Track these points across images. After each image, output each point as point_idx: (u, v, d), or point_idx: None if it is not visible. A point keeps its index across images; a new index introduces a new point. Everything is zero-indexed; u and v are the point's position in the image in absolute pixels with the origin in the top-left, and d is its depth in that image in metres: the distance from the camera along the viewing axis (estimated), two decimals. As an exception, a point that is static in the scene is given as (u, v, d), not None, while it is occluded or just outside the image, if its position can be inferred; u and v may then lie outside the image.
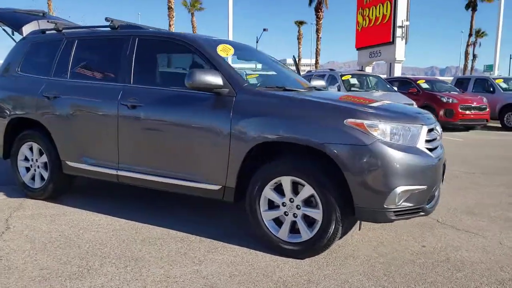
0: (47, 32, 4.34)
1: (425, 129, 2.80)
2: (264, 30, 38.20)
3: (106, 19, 3.82)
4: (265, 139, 2.82)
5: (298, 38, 50.26)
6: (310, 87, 3.82)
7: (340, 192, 2.68)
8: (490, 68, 37.13)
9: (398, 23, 19.30)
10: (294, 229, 2.89)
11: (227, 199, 3.10)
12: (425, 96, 12.69)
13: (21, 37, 4.64)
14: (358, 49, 22.29)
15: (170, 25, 27.15)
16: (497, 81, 14.45)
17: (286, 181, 2.83)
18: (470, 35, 38.06)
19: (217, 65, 3.16)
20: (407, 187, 2.61)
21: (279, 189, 2.91)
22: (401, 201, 2.62)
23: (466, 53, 38.63)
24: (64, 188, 4.14)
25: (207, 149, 3.08)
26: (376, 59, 21.05)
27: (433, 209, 2.92)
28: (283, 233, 2.89)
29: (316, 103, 2.89)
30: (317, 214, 2.76)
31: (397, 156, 2.58)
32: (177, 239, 3.17)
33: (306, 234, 2.81)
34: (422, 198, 2.73)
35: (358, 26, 22.31)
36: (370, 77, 12.40)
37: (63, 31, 4.16)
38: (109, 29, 3.88)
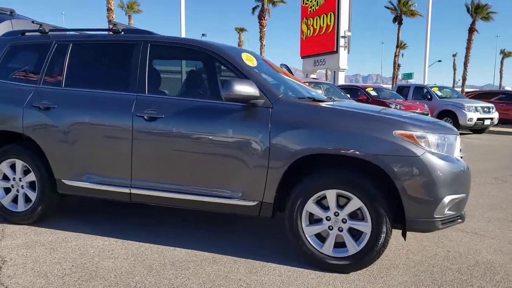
0: (27, 34, 3.85)
1: (458, 139, 2.89)
2: (203, 35, 37.97)
3: (110, 22, 3.48)
4: (313, 151, 2.72)
5: (239, 45, 50.48)
6: (330, 98, 3.79)
7: (389, 204, 2.67)
8: (407, 76, 40.64)
9: (341, 33, 20.20)
10: (336, 243, 2.82)
11: (264, 215, 2.95)
12: (374, 103, 13.34)
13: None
14: (302, 57, 22.91)
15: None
16: (433, 89, 15.68)
17: (331, 195, 2.76)
18: (397, 46, 41.07)
19: (248, 75, 3.01)
20: (453, 196, 2.66)
21: (320, 203, 2.83)
22: (446, 210, 2.67)
23: (395, 63, 41.56)
24: (53, 210, 3.68)
25: (242, 164, 2.90)
26: (320, 67, 21.82)
27: (465, 216, 3.02)
28: (327, 248, 2.80)
29: (364, 115, 2.86)
30: (365, 227, 2.71)
31: (444, 167, 2.63)
32: (209, 261, 2.94)
33: (353, 248, 2.75)
34: (462, 206, 2.81)
35: (303, 35, 22.96)
36: (324, 85, 12.77)
37: (50, 33, 3.72)
38: (109, 33, 3.54)
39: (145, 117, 3.12)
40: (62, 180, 3.42)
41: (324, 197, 2.79)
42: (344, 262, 2.77)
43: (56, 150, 3.39)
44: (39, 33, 3.76)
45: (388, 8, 38.91)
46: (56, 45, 3.61)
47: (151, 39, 3.36)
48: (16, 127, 3.48)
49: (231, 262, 2.92)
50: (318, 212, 2.81)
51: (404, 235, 2.86)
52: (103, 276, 2.67)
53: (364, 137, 2.66)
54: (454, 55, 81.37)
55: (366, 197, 2.67)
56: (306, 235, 2.84)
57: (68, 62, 3.52)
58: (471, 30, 44.22)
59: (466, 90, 36.42)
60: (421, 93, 15.84)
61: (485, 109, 14.28)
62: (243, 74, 3.02)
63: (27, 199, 3.60)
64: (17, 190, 3.61)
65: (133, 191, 3.22)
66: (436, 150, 2.67)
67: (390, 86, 36.06)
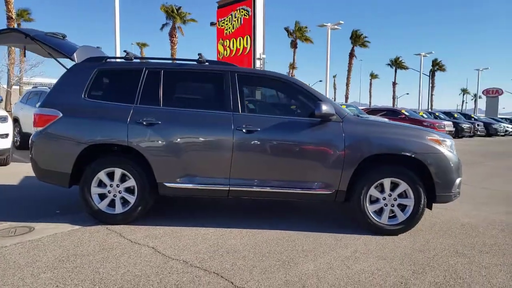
0: (108, 60, 4.42)
1: (454, 142, 4.45)
2: (98, 47, 36.74)
3: (200, 55, 4.30)
4: (377, 152, 3.98)
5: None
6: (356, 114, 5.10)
7: (425, 185, 4.06)
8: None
9: (257, 55, 22.11)
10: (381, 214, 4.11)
11: (338, 200, 4.11)
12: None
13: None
14: (221, 76, 24.13)
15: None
16: (342, 106, 18.34)
17: (387, 182, 4.05)
18: (292, 68, 45.37)
19: (322, 99, 4.17)
20: (459, 178, 4.18)
21: (376, 188, 4.10)
22: (457, 188, 4.17)
23: (291, 83, 45.76)
24: (147, 211, 4.28)
25: (323, 163, 4.02)
26: (239, 86, 23.30)
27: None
28: (384, 219, 4.08)
29: (407, 126, 4.24)
30: (409, 202, 4.05)
31: (455, 159, 4.13)
32: (303, 235, 3.96)
33: (401, 217, 4.07)
34: (460, 185, 4.34)
35: (219, 55, 24.18)
36: None
37: (135, 60, 4.38)
38: (193, 62, 4.36)
39: (244, 130, 4.04)
40: (164, 183, 4.10)
41: (381, 184, 4.07)
42: (396, 228, 4.07)
43: (159, 159, 4.07)
44: (124, 60, 4.38)
45: (286, 30, 42.94)
46: (147, 71, 4.28)
47: (237, 70, 4.30)
48: (122, 140, 4.04)
49: (318, 236, 4.00)
50: (377, 194, 4.08)
51: (430, 207, 4.26)
52: (241, 250, 3.53)
53: (410, 141, 4.03)
54: (334, 76, 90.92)
55: (410, 182, 4.02)
56: (370, 212, 4.08)
57: (163, 86, 4.23)
58: (351, 55, 50.87)
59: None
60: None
61: (385, 124, 17.22)
62: (318, 98, 4.18)
63: (123, 203, 4.16)
64: (114, 195, 4.15)
65: (231, 188, 4.09)
66: (449, 149, 4.16)
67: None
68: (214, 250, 3.51)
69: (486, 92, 52.08)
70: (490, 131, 28.38)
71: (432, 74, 67.99)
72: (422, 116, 23.96)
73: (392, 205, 4.09)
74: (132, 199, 4.14)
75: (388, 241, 3.91)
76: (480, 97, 60.65)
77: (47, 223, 4.15)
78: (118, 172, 4.12)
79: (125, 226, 4.11)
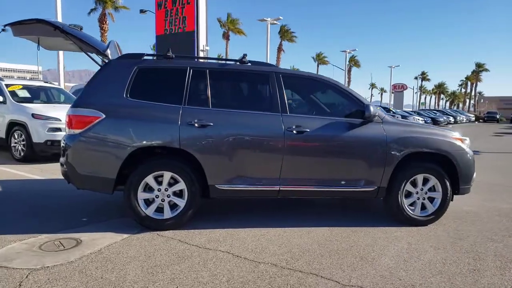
0: (145, 57, 4.20)
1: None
2: (3, 30, 33.16)
3: (244, 56, 4.26)
4: (415, 149, 4.33)
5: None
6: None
7: (450, 180, 4.53)
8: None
9: (200, 47, 21.77)
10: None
11: (379, 196, 4.40)
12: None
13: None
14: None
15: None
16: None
17: (420, 178, 4.44)
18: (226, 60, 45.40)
19: (364, 101, 4.41)
20: (475, 172, 4.73)
21: (411, 183, 4.47)
22: (473, 181, 4.71)
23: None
24: (195, 214, 4.16)
25: (368, 161, 4.28)
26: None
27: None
28: (417, 211, 4.47)
29: (433, 127, 4.65)
30: (437, 195, 4.49)
31: (472, 155, 4.66)
32: (350, 231, 4.20)
33: (431, 208, 4.50)
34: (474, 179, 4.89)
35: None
36: (53, 90, 10.55)
37: (175, 59, 4.21)
38: (234, 63, 4.32)
39: (294, 131, 4.13)
40: (216, 186, 4.03)
41: (415, 179, 4.45)
42: (426, 218, 4.49)
43: (211, 161, 3.99)
44: (165, 58, 4.18)
45: (219, 21, 42.75)
46: (191, 70, 4.14)
47: (281, 71, 4.35)
48: (174, 142, 3.88)
49: (365, 231, 4.25)
50: (411, 189, 4.46)
51: (452, 198, 4.74)
52: (311, 249, 3.65)
53: (441, 140, 4.45)
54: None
55: (439, 177, 4.45)
56: (405, 205, 4.44)
57: (210, 86, 4.12)
58: (279, 49, 52.23)
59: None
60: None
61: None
62: (360, 101, 4.40)
63: (171, 207, 4.01)
64: (162, 200, 3.98)
65: (282, 188, 4.16)
66: (468, 146, 4.67)
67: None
68: (287, 250, 3.58)
69: (394, 87, 56.78)
70: (408, 123, 31.36)
71: (348, 70, 72.51)
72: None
73: (424, 198, 4.50)
74: (181, 202, 4.01)
75: (424, 231, 4.30)
76: (385, 91, 66.09)
77: (88, 233, 3.85)
78: (167, 175, 3.96)
79: (176, 231, 3.97)
